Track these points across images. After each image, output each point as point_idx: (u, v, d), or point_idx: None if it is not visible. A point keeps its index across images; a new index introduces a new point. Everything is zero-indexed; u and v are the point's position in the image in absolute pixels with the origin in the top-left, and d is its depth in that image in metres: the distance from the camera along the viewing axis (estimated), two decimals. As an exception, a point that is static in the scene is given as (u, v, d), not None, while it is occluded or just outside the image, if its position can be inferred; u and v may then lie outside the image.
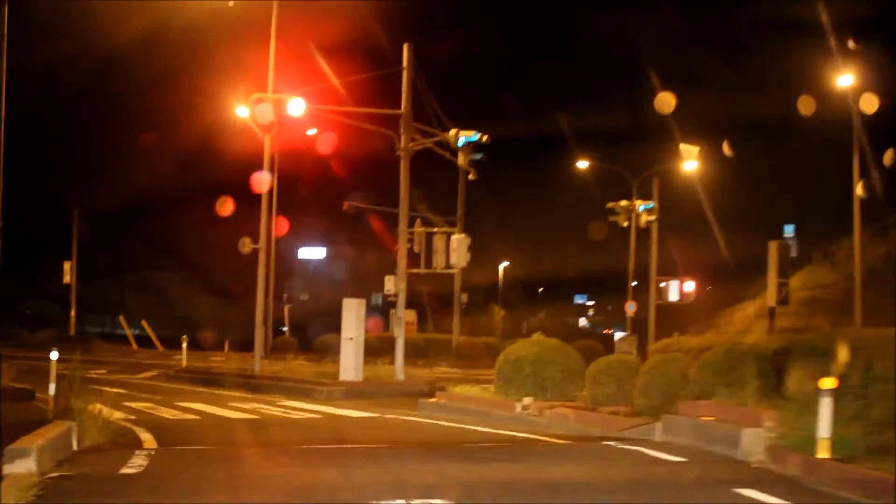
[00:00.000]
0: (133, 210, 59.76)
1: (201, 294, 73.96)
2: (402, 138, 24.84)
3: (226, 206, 33.96)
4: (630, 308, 48.17)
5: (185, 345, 29.23)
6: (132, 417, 17.14)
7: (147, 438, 13.24)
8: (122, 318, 51.00)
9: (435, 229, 25.46)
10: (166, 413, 18.02)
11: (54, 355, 16.71)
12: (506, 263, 70.52)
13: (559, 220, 79.45)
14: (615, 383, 15.53)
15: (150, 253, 71.99)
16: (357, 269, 75.51)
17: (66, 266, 50.07)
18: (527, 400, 16.25)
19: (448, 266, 24.75)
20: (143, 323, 49.57)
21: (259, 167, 33.03)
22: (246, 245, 25.79)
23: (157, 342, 45.66)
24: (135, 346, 47.13)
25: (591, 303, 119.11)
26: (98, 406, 17.84)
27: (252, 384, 24.04)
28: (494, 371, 17.95)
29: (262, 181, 26.22)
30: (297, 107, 24.20)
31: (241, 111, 29.45)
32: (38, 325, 54.73)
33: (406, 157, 24.85)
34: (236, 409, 19.22)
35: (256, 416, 17.81)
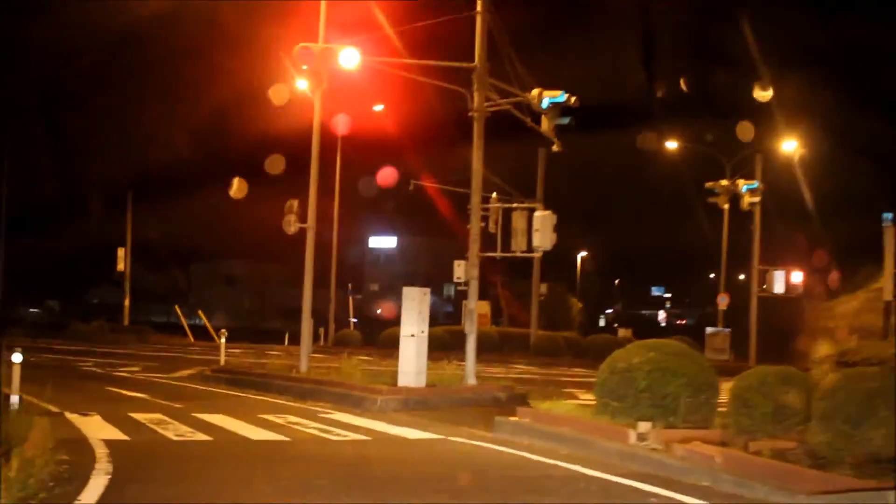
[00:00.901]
0: (195, 194, 56.04)
1: (268, 283, 70.32)
2: (476, 97, 20.22)
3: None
4: (722, 300, 43.16)
5: (223, 340, 24.88)
6: (124, 438, 12.80)
7: (93, 487, 8.77)
8: (177, 308, 47.10)
9: (514, 205, 20.71)
10: (174, 431, 13.62)
11: (17, 357, 12.48)
12: (584, 253, 65.45)
13: (638, 204, 74.34)
14: (771, 406, 10.78)
15: (216, 240, 68.50)
16: (430, 257, 71.29)
17: (120, 252, 46.31)
18: (643, 426, 11.54)
19: (530, 249, 19.99)
20: (199, 313, 45.65)
21: (327, 147, 28.79)
22: (291, 224, 21.34)
23: (213, 334, 41.59)
24: (191, 339, 43.18)
25: (668, 295, 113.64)
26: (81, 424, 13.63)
27: (295, 388, 19.62)
28: (596, 383, 13.22)
29: (312, 148, 21.77)
30: (350, 58, 19.70)
31: (301, 84, 24.94)
32: (100, 314, 51.37)
33: (480, 119, 20.24)
34: (265, 424, 14.80)
35: (284, 438, 13.34)
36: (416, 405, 17.65)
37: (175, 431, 13.59)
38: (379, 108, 39.10)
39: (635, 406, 12.23)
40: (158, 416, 15.34)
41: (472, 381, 19.81)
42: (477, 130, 20.18)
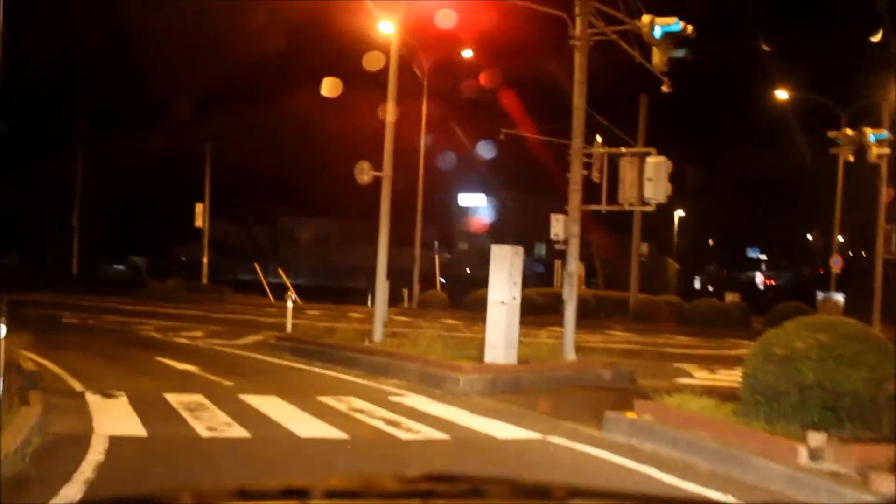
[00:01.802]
0: (278, 147, 53.47)
1: (357, 241, 67.66)
2: (578, 22, 16.89)
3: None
4: (836, 263, 39.22)
5: (290, 304, 21.98)
6: (138, 435, 9.98)
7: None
8: (257, 267, 44.55)
9: (622, 150, 17.31)
10: (207, 422, 10.73)
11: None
12: (680, 212, 61.26)
13: (733, 158, 69.89)
14: None
15: (305, 196, 65.97)
16: (521, 214, 67.96)
17: (198, 208, 43.77)
18: (816, 438, 8.23)
19: (642, 201, 16.63)
20: (280, 272, 43.02)
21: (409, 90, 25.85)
22: (364, 171, 18.28)
23: (293, 294, 38.87)
24: (271, 299, 40.56)
25: (763, 256, 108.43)
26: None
27: (366, 362, 16.65)
28: (743, 374, 9.90)
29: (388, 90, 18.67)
30: (429, -24, 16.50)
31: (385, 26, 21.93)
32: (187, 271, 49.28)
33: (582, 48, 16.91)
34: (322, 410, 11.88)
35: (340, 435, 10.35)
36: (505, 386, 14.58)
37: (208, 423, 10.69)
38: (468, 53, 35.91)
39: (799, 408, 8.94)
40: (199, 398, 12.50)
41: (571, 356, 16.64)
42: (578, 62, 16.86)
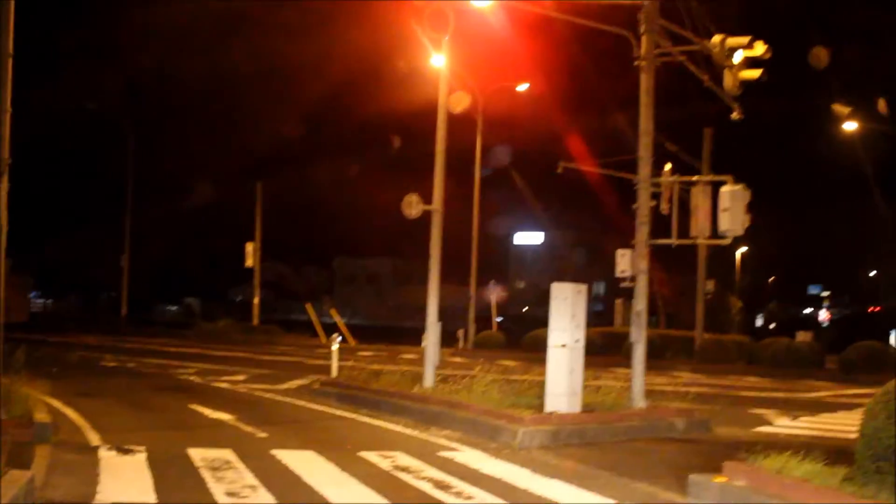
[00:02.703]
0: (333, 188, 52.49)
1: (411, 280, 66.53)
2: (644, 41, 15.35)
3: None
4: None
5: (335, 346, 20.43)
6: (146, 503, 8.50)
7: None
8: (308, 307, 43.25)
9: (695, 178, 15.63)
10: (228, 486, 9.23)
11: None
12: (743, 249, 58.97)
13: (795, 192, 67.98)
14: None
15: (359, 236, 65.05)
16: (579, 253, 66.41)
17: (249, 248, 42.64)
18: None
19: (716, 234, 14.96)
20: (332, 312, 41.64)
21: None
22: (412, 205, 16.76)
23: (348, 335, 37.54)
24: (323, 339, 39.22)
25: (825, 293, 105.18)
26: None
27: (415, 410, 15.10)
28: (860, 435, 8.17)
29: (438, 115, 17.23)
30: (481, -8, 15.05)
31: (437, 59, 20.52)
32: (241, 312, 48.36)
33: (649, 69, 15.33)
34: (361, 470, 10.33)
35: (380, 502, 8.81)
36: (568, 438, 12.94)
37: (229, 487, 9.18)
38: (523, 86, 34.57)
39: (935, 477, 7.22)
40: (226, 454, 11.01)
41: (640, 403, 14.95)
42: (645, 84, 15.28)
